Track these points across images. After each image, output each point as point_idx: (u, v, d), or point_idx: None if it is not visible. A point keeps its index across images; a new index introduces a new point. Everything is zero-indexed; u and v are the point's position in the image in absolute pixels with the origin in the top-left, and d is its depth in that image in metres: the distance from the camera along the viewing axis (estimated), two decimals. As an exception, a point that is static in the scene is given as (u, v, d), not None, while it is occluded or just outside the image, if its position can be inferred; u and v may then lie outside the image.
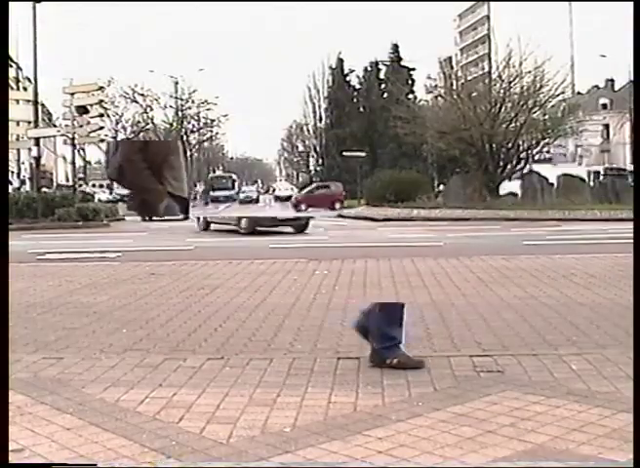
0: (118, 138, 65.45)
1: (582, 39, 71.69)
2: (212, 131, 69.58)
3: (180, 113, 63.79)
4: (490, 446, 3.47)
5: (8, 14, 5.42)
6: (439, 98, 43.18)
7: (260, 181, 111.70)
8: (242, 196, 61.63)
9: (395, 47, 66.17)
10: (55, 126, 43.62)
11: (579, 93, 63.98)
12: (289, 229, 21.11)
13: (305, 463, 3.33)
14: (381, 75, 66.22)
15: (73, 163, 35.13)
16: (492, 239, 17.62)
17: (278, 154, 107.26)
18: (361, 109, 66.07)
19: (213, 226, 22.59)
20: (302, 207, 38.81)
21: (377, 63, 66.88)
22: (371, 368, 4.94)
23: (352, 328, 5.44)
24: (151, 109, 63.53)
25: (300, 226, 21.41)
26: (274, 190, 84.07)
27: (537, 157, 39.78)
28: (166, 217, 4.29)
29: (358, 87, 67.79)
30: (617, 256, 11.32)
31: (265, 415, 3.97)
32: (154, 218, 4.32)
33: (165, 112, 64.54)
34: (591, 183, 39.03)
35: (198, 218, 23.22)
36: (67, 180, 62.92)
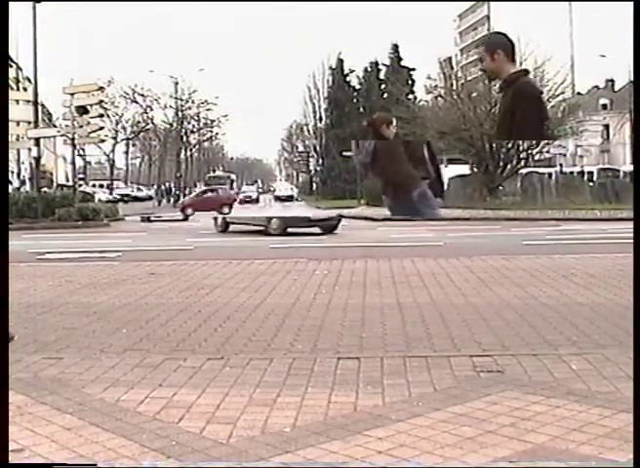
0: (118, 139, 65.61)
1: (582, 39, 71.73)
2: (212, 131, 69.67)
3: (180, 113, 63.75)
4: (490, 446, 3.47)
5: (8, 14, 5.43)
6: (439, 99, 43.18)
7: (259, 181, 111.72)
8: (242, 196, 61.69)
9: (395, 47, 66.18)
10: (55, 126, 43.63)
11: (579, 93, 63.96)
12: (317, 230, 20.37)
13: (305, 463, 3.33)
14: (381, 75, 66.22)
15: (73, 163, 35.11)
16: (492, 239, 17.62)
17: (278, 154, 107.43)
18: (361, 109, 66.01)
19: (233, 227, 21.60)
20: (189, 211, 37.44)
21: (377, 64, 66.88)
22: (371, 368, 4.94)
23: None
24: (151, 109, 63.53)
25: (331, 227, 20.80)
26: (274, 190, 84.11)
27: (537, 157, 39.76)
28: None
29: (358, 87, 67.78)
30: (617, 256, 11.32)
31: (265, 415, 3.97)
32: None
33: (165, 112, 64.54)
34: (590, 184, 39.04)
35: (215, 219, 22.46)
36: (67, 180, 62.89)
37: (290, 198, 72.41)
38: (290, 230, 20.21)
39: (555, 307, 7.29)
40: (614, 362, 4.97)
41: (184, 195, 57.62)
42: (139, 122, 64.90)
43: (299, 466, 3.31)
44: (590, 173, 46.20)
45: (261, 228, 20.47)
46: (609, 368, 4.84)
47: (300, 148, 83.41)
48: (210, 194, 42.76)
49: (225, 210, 39.22)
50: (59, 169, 74.24)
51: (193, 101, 64.16)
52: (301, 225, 20.87)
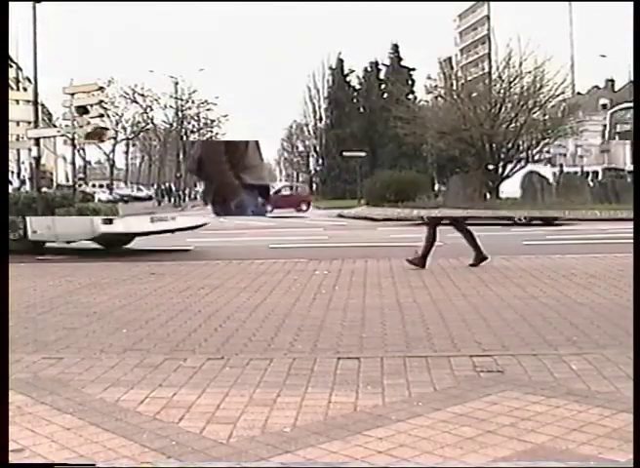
0: (118, 139, 65.64)
1: (582, 39, 71.79)
2: (212, 131, 69.64)
3: (180, 113, 63.81)
4: (490, 446, 3.47)
5: (8, 14, 5.43)
6: (439, 99, 43.12)
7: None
8: None
9: (395, 47, 66.18)
10: (55, 126, 43.59)
11: (579, 93, 64.01)
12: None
13: (305, 463, 3.33)
14: (381, 75, 66.21)
15: (73, 163, 35.07)
16: (492, 239, 17.61)
17: (278, 154, 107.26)
18: (361, 109, 66.05)
19: None
20: (268, 208, 38.28)
21: (377, 64, 66.88)
22: (371, 368, 4.94)
23: None
24: (151, 109, 63.64)
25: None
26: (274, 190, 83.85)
27: (537, 157, 39.75)
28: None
29: (358, 87, 67.75)
30: (617, 256, 11.32)
31: (265, 415, 3.97)
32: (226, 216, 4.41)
33: (165, 112, 64.65)
34: (590, 183, 39.01)
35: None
36: (67, 180, 62.92)
37: None
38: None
39: (555, 307, 7.29)
40: (614, 362, 4.97)
41: (185, 195, 57.65)
42: (139, 122, 65.01)
43: (299, 466, 3.31)
44: (595, 172, 46.20)
45: None
46: (609, 368, 4.84)
47: (301, 148, 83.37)
48: (288, 192, 43.14)
49: (304, 207, 39.53)
50: (59, 169, 74.30)
51: (193, 101, 64.27)
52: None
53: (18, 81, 45.77)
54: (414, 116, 38.60)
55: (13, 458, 3.33)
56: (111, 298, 8.37)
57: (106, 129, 27.55)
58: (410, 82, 62.45)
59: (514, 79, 36.28)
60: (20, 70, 47.03)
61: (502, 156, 36.08)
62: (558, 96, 37.27)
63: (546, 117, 36.95)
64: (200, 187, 57.84)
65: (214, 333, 6.30)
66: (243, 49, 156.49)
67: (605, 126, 63.45)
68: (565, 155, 58.04)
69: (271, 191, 49.28)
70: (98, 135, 26.35)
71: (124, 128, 65.62)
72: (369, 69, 66.82)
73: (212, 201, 3.92)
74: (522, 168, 36.52)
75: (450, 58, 57.38)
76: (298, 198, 42.05)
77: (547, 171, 36.64)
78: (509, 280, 9.38)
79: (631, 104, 48.84)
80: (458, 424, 3.77)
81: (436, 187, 46.96)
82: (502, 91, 36.65)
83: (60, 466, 3.30)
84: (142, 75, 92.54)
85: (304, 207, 40.17)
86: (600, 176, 44.26)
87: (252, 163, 3.49)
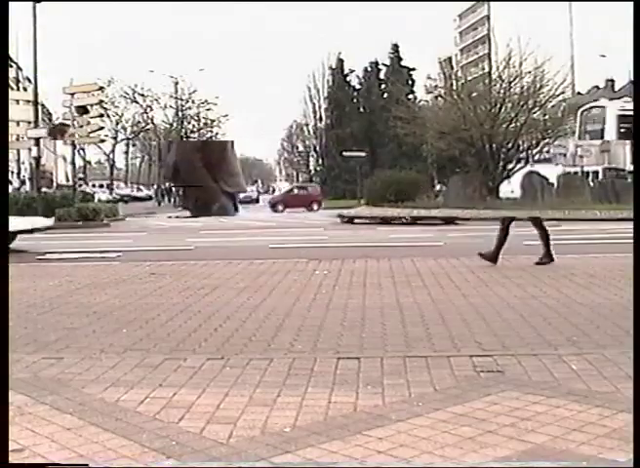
0: (118, 139, 65.65)
1: (582, 39, 71.76)
2: (212, 131, 69.66)
3: (180, 113, 63.84)
4: (490, 446, 3.47)
5: (8, 14, 5.43)
6: (439, 99, 43.16)
7: (259, 181, 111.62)
8: (242, 196, 61.67)
9: (395, 47, 66.22)
10: (55, 126, 43.56)
11: (579, 93, 63.94)
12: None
13: (305, 463, 3.33)
14: (381, 75, 66.25)
15: (73, 163, 35.13)
16: (492, 239, 17.60)
17: (278, 154, 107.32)
18: (361, 109, 66.12)
19: None
20: (280, 207, 38.78)
21: (377, 64, 66.91)
22: (371, 368, 4.94)
23: None
24: (151, 109, 63.65)
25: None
26: (274, 190, 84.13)
27: (537, 157, 39.74)
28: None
29: (358, 87, 67.83)
30: (617, 256, 11.31)
31: (265, 415, 3.97)
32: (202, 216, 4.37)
33: (165, 112, 64.66)
34: (590, 183, 39.00)
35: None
36: (67, 180, 62.90)
37: None
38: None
39: (555, 307, 7.29)
40: (614, 362, 4.97)
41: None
42: (139, 122, 65.00)
43: (299, 466, 3.31)
44: (595, 172, 46.15)
45: None
46: (609, 368, 4.83)
47: (300, 148, 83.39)
48: (299, 191, 43.31)
49: (315, 206, 39.80)
50: (59, 169, 74.29)
51: (193, 101, 64.29)
52: None
53: (18, 81, 45.78)
54: (414, 116, 38.62)
55: (13, 458, 3.33)
56: (111, 298, 8.36)
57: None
58: (410, 82, 62.49)
59: (514, 79, 36.28)
60: (20, 70, 47.03)
61: (502, 156, 36.07)
62: (558, 96, 37.28)
63: (546, 117, 36.95)
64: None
65: (214, 333, 6.30)
66: (243, 49, 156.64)
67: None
68: (565, 155, 57.98)
69: (279, 191, 49.68)
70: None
71: (124, 128, 65.65)
72: (369, 69, 66.89)
73: (191, 205, 3.94)
74: (522, 168, 36.52)
75: (450, 58, 57.44)
76: (309, 198, 42.19)
77: (552, 171, 36.59)
78: (509, 280, 9.38)
79: (599, 103, 48.89)
80: (458, 424, 3.77)
81: (436, 187, 47.04)
82: (502, 91, 36.66)
83: (54, 466, 3.30)
84: (142, 75, 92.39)
85: (315, 206, 40.29)
86: (601, 176, 44.19)
87: (228, 164, 3.48)
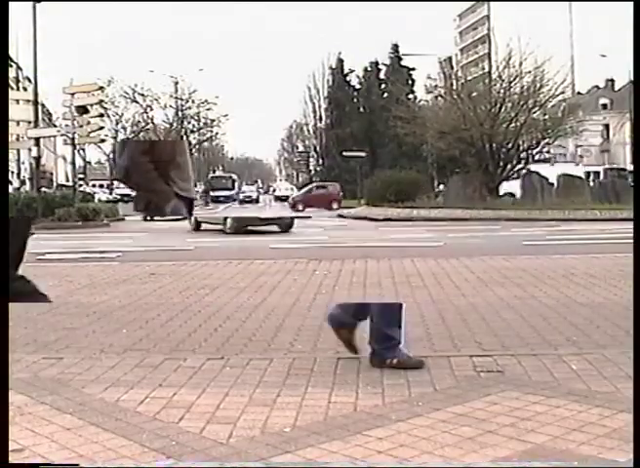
0: (118, 138, 65.61)
1: (582, 39, 71.73)
2: (212, 131, 69.58)
3: (180, 113, 63.80)
4: (490, 446, 3.47)
5: (8, 14, 5.42)
6: (439, 98, 43.12)
7: (259, 181, 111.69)
8: (242, 196, 61.67)
9: (395, 47, 66.16)
10: (55, 126, 43.57)
11: (579, 93, 63.96)
12: (275, 228, 21.59)
13: (305, 463, 3.33)
14: (381, 75, 66.20)
15: (73, 163, 35.09)
16: (492, 239, 17.62)
17: (278, 154, 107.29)
18: (361, 109, 66.05)
19: (203, 226, 22.78)
20: (300, 207, 38.92)
21: (377, 64, 66.87)
22: (371, 368, 4.95)
23: (328, 323, 5.42)
24: (151, 109, 63.56)
25: (286, 225, 21.85)
26: (274, 190, 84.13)
27: (537, 157, 39.74)
28: (168, 218, 4.31)
29: (358, 87, 67.76)
30: (617, 256, 11.31)
31: (265, 415, 3.97)
32: (157, 218, 4.35)
33: (165, 112, 64.59)
34: (591, 183, 38.99)
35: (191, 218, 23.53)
36: (67, 180, 62.85)
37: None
38: (256, 229, 21.33)
39: (555, 307, 7.29)
40: (614, 362, 4.97)
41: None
42: (139, 122, 64.91)
43: (299, 466, 3.31)
44: (596, 172, 46.15)
45: (221, 227, 21.60)
46: (609, 368, 4.84)
47: (300, 148, 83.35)
48: (319, 191, 43.34)
49: (335, 205, 39.90)
50: (59, 169, 74.25)
51: (193, 101, 64.21)
52: (255, 224, 22.21)
53: (18, 81, 45.74)
54: (414, 116, 38.58)
55: (13, 458, 3.32)
56: (111, 298, 8.36)
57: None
58: (410, 82, 62.44)
59: (514, 79, 36.27)
60: (20, 70, 46.98)
61: (502, 156, 36.06)
62: (558, 95, 37.26)
63: (546, 117, 36.93)
64: (200, 187, 57.90)
65: (214, 333, 6.30)
66: (243, 49, 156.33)
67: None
68: (565, 155, 58.00)
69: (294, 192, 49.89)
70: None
71: (124, 128, 65.57)
72: (369, 69, 66.81)
73: (143, 208, 3.89)
74: (522, 168, 36.55)
75: (450, 58, 57.44)
76: (329, 197, 42.07)
77: (552, 172, 36.58)
78: (509, 280, 9.38)
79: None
80: (458, 424, 3.77)
81: (436, 187, 47.03)
82: (502, 90, 36.64)
83: (45, 466, 3.30)
84: (142, 75, 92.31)
85: (335, 205, 40.17)
86: (602, 176, 44.17)
87: (177, 167, 3.43)
